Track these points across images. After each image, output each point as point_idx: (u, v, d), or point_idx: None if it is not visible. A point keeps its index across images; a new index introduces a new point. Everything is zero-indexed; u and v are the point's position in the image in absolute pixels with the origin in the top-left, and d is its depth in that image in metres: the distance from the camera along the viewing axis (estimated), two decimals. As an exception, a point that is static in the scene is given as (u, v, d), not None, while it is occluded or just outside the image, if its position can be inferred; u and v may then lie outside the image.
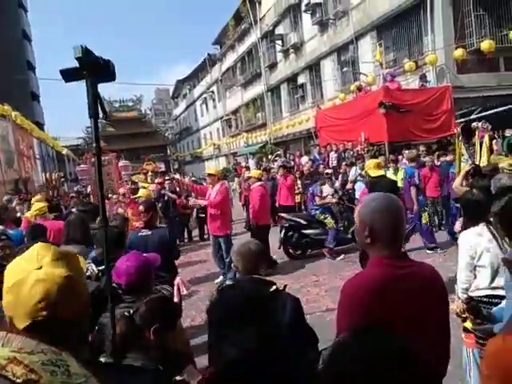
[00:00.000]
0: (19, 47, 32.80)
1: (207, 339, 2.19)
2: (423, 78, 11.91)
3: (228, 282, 2.79)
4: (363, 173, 7.87)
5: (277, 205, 9.39)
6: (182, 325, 3.13)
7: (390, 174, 8.23)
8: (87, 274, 2.66)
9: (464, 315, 2.68)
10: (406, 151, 8.73)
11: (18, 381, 0.59)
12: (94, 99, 1.18)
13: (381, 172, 5.96)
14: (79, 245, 3.20)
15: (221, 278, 6.55)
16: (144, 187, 8.56)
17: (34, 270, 0.86)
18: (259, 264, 2.26)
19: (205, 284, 6.54)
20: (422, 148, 9.35)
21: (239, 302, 2.05)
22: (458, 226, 4.22)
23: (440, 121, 10.34)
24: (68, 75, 1.19)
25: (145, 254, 2.72)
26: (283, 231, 7.48)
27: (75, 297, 0.89)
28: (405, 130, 10.10)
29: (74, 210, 6.42)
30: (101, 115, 1.23)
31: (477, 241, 2.64)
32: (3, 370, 0.59)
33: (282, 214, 7.93)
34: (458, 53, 11.83)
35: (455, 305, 2.72)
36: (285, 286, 2.14)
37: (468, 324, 2.70)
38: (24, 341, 0.66)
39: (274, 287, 2.08)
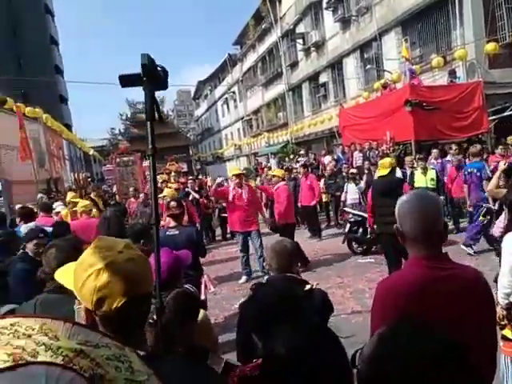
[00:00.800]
0: (47, 52, 33.89)
1: (235, 337, 2.19)
2: (452, 73, 11.57)
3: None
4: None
5: (298, 205, 9.24)
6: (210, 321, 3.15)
7: (418, 174, 8.06)
8: None
9: (503, 322, 2.58)
10: (470, 147, 8.34)
11: (85, 375, 0.58)
12: (152, 105, 1.24)
13: (385, 171, 5.83)
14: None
15: (244, 278, 6.56)
16: (169, 187, 8.66)
17: (118, 253, 0.95)
18: (293, 262, 2.30)
19: (228, 283, 6.57)
20: (454, 147, 9.07)
21: (272, 301, 2.05)
22: (496, 229, 4.02)
23: (471, 118, 9.99)
24: (126, 81, 1.24)
25: (176, 252, 2.75)
26: (348, 226, 7.54)
27: (151, 274, 1.03)
28: (432, 129, 9.83)
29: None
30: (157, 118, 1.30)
31: None
32: (70, 362, 0.58)
33: (346, 209, 8.00)
34: (490, 47, 11.40)
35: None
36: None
37: (507, 332, 2.59)
38: (90, 333, 0.65)
39: (308, 286, 2.06)
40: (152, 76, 1.23)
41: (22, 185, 8.74)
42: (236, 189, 6.58)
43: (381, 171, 5.76)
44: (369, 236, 7.25)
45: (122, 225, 3.54)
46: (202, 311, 2.28)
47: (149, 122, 1.27)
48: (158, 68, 1.26)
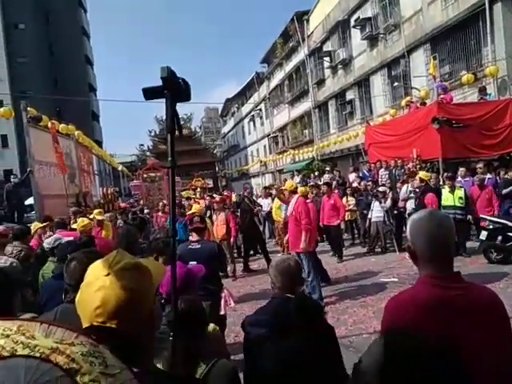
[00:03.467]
0: (83, 71, 35.56)
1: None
2: (483, 90, 11.28)
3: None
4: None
5: (321, 224, 8.90)
6: (225, 338, 3.12)
7: (446, 193, 7.85)
8: None
9: None
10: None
11: (62, 367, 0.63)
12: (172, 117, 1.25)
13: None
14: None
15: None
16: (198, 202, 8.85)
17: (103, 275, 0.91)
18: (297, 282, 2.24)
19: (250, 301, 6.44)
20: (480, 164, 8.82)
21: (271, 322, 2.02)
22: None
23: (502, 136, 9.66)
24: (149, 93, 1.28)
25: (189, 265, 2.77)
26: (485, 234, 7.33)
27: (134, 311, 0.90)
28: (461, 146, 9.57)
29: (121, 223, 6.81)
30: (177, 132, 1.31)
31: None
32: (47, 358, 0.63)
33: (485, 216, 7.68)
34: (522, 63, 11.12)
35: None
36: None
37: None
38: (65, 332, 0.69)
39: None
40: (173, 88, 1.24)
41: (53, 199, 9.09)
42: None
43: None
44: (510, 243, 7.02)
45: (132, 241, 3.59)
46: (211, 325, 2.27)
47: (169, 134, 1.28)
48: (180, 80, 1.28)
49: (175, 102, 1.29)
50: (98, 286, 0.90)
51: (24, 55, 32.44)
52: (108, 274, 0.91)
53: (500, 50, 11.97)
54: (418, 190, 7.74)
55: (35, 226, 6.17)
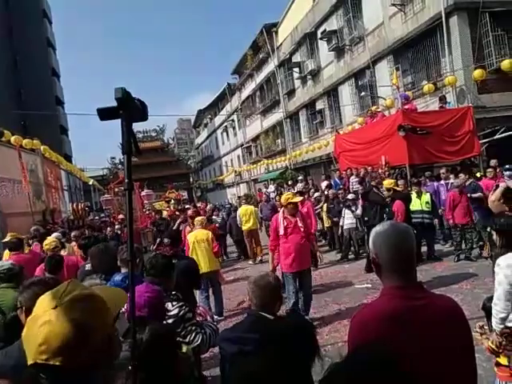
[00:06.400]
0: (49, 84, 34.63)
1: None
2: (443, 99, 11.80)
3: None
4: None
5: None
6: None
7: (413, 198, 8.08)
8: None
9: (500, 350, 2.52)
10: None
11: None
12: (128, 137, 1.24)
13: None
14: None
15: None
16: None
17: (50, 308, 0.85)
18: (276, 300, 2.17)
19: (239, 315, 6.19)
20: (443, 170, 9.18)
21: (243, 339, 1.98)
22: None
23: (462, 142, 10.13)
24: (104, 114, 1.26)
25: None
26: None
27: (82, 345, 0.84)
28: (426, 153, 9.93)
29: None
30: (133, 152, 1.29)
31: None
32: None
33: None
34: (478, 73, 11.72)
35: (490, 340, 2.56)
36: None
37: (502, 359, 2.53)
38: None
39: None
40: (129, 109, 1.23)
41: (17, 217, 8.76)
42: (288, 218, 5.53)
43: None
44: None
45: (110, 257, 3.48)
46: (185, 347, 2.23)
47: (126, 155, 1.27)
48: (136, 100, 1.28)
49: (131, 123, 1.28)
50: (43, 320, 0.84)
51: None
52: (56, 307, 0.85)
53: (457, 61, 12.57)
54: (387, 199, 7.74)
55: (6, 254, 5.74)
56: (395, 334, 1.36)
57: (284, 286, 5.39)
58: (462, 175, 7.83)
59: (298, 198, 5.91)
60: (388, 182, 7.91)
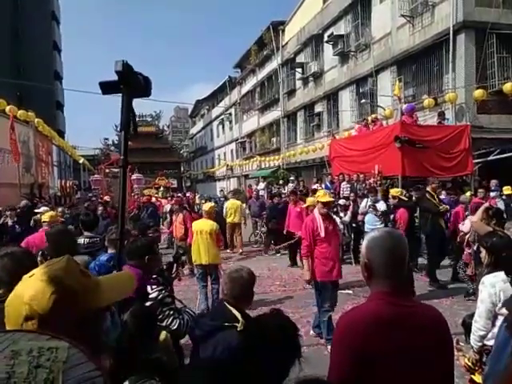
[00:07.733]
0: (49, 58, 34.01)
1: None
2: (442, 115, 11.90)
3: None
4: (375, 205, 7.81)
5: (284, 232, 9.30)
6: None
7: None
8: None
9: (476, 368, 2.56)
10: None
11: None
12: (128, 114, 1.19)
13: None
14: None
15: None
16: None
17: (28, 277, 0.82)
18: (248, 294, 2.18)
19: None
20: (433, 185, 9.25)
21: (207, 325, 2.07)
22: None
23: (457, 159, 10.23)
24: (106, 88, 1.20)
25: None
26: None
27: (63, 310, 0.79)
28: (420, 166, 10.01)
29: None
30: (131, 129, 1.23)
31: (503, 287, 2.52)
32: None
33: None
34: (479, 93, 11.85)
35: (467, 357, 2.59)
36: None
37: (477, 377, 2.57)
38: None
39: (239, 326, 1.94)
40: (130, 83, 1.17)
41: (4, 187, 8.58)
42: (327, 219, 5.02)
43: None
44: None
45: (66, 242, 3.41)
46: (163, 333, 2.22)
47: (123, 131, 1.23)
48: (138, 75, 1.22)
49: (132, 98, 1.23)
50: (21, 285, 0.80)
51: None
52: (32, 275, 0.82)
53: (460, 78, 12.70)
54: (392, 206, 7.70)
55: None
56: (382, 338, 1.38)
57: (317, 300, 4.94)
58: (468, 193, 7.92)
59: (330, 198, 5.25)
60: (394, 191, 7.91)
